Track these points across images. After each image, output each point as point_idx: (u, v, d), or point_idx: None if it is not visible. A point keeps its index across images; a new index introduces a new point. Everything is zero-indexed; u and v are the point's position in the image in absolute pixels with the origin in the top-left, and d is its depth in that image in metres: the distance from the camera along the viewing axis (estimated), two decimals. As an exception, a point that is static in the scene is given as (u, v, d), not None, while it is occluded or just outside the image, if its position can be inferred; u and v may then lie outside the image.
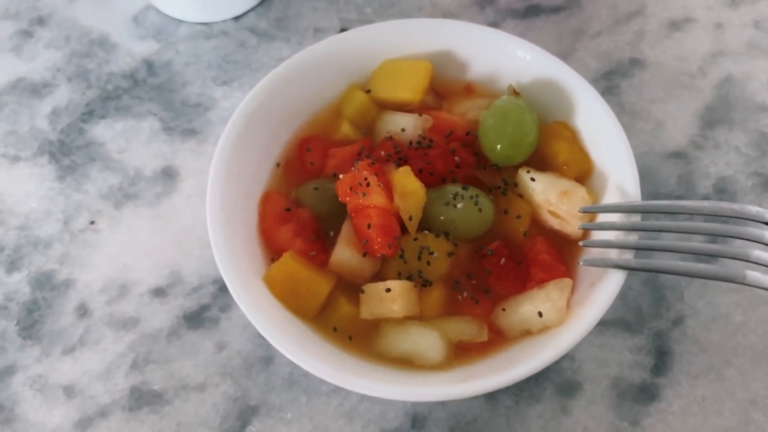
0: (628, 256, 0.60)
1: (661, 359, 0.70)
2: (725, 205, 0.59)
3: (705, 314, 0.72)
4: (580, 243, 0.62)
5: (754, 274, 0.56)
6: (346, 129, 0.72)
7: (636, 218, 0.61)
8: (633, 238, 0.60)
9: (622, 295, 0.72)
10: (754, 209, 0.58)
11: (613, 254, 0.61)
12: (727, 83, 0.85)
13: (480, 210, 0.64)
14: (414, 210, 0.63)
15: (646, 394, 0.68)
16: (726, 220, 0.61)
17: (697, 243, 0.59)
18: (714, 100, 0.84)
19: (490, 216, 0.65)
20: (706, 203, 0.59)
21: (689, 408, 0.68)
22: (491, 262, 0.64)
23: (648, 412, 0.67)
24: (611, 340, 0.70)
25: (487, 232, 0.66)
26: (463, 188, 0.65)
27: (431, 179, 0.66)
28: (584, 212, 0.63)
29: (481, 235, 0.65)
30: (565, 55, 0.87)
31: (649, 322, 0.71)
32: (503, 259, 0.64)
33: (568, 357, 0.70)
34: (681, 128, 0.82)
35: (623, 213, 0.61)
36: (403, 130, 0.69)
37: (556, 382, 0.69)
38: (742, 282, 0.56)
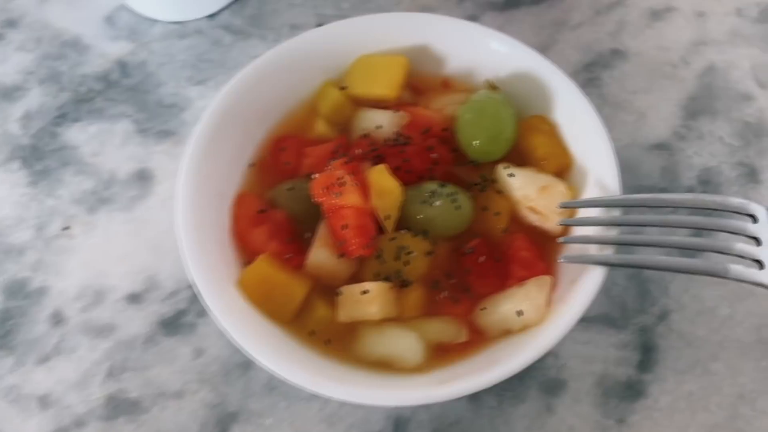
0: (608, 251, 0.59)
1: (647, 355, 0.69)
2: (707, 198, 0.58)
3: (690, 308, 0.71)
4: (559, 240, 0.61)
5: (737, 268, 0.55)
6: (321, 127, 0.70)
7: (616, 213, 0.60)
8: (613, 233, 0.59)
9: (606, 291, 0.71)
10: (736, 201, 0.57)
11: (593, 250, 0.59)
12: (710, 72, 0.84)
13: (458, 208, 0.62)
14: (391, 209, 0.62)
15: (632, 390, 0.67)
16: (708, 212, 0.59)
17: (678, 237, 0.58)
18: (697, 90, 0.83)
19: (469, 213, 0.63)
20: (687, 196, 0.58)
21: (676, 404, 0.66)
22: (470, 261, 0.63)
23: (634, 409, 0.66)
24: (596, 337, 0.69)
25: (466, 230, 0.64)
26: (441, 186, 0.63)
27: (408, 177, 0.65)
28: (563, 208, 0.62)
29: (460, 233, 0.64)
30: (545, 47, 0.86)
31: (633, 318, 0.70)
32: (482, 257, 0.63)
33: (552, 354, 0.69)
34: (664, 119, 0.81)
35: (603, 208, 0.60)
36: (379, 127, 0.68)
37: (540, 380, 0.68)
38: (725, 276, 0.55)
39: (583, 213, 0.63)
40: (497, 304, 0.60)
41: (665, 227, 0.59)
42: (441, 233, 0.63)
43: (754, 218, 0.57)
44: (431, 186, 0.63)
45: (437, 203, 0.62)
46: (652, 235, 0.59)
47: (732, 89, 0.83)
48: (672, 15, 0.89)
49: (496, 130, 0.65)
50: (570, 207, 0.62)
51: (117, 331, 0.71)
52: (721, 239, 0.57)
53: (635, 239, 0.58)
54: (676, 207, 0.58)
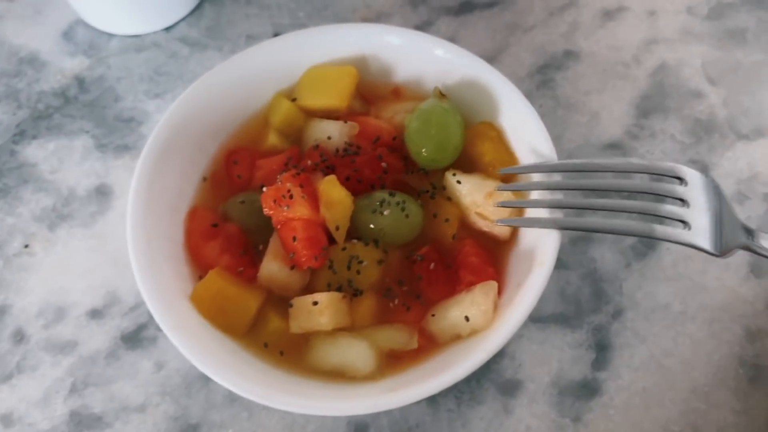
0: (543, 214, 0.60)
1: (602, 353, 0.70)
2: (636, 162, 0.59)
3: (644, 305, 0.72)
4: (497, 203, 0.63)
5: (662, 228, 0.56)
6: (273, 139, 0.71)
7: (556, 178, 0.62)
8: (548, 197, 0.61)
9: (561, 291, 0.72)
10: (666, 164, 0.59)
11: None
12: (662, 71, 0.85)
13: (407, 216, 0.63)
14: (341, 219, 0.62)
15: (587, 389, 0.68)
16: (641, 176, 0.61)
17: (610, 200, 0.59)
18: (649, 89, 0.84)
19: (418, 221, 0.64)
20: (618, 160, 0.60)
21: (630, 400, 0.68)
22: (421, 268, 0.64)
23: (590, 407, 0.67)
24: (551, 337, 0.70)
25: (416, 237, 0.65)
26: (390, 194, 0.64)
27: (360, 186, 0.65)
28: (504, 173, 0.64)
29: (411, 240, 0.65)
30: (499, 51, 0.87)
31: (588, 317, 0.71)
32: (433, 264, 0.64)
33: (509, 356, 0.70)
34: (616, 119, 0.82)
35: (540, 173, 0.61)
36: (329, 137, 0.69)
37: (497, 382, 0.68)
38: (650, 236, 0.56)
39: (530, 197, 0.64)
40: (446, 310, 0.61)
41: (600, 191, 0.60)
42: (391, 241, 0.64)
43: (683, 181, 0.59)
44: (381, 195, 0.64)
45: (386, 212, 0.63)
46: (585, 199, 0.60)
47: (683, 87, 0.84)
48: (624, 15, 0.90)
49: (443, 138, 0.66)
50: (510, 172, 0.64)
51: (79, 347, 0.72)
52: (650, 201, 0.59)
53: (569, 202, 0.59)
54: (610, 171, 0.60)
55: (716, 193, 0.58)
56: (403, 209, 0.63)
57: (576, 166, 0.60)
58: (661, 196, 0.59)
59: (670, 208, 0.57)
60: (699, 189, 0.58)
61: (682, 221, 0.57)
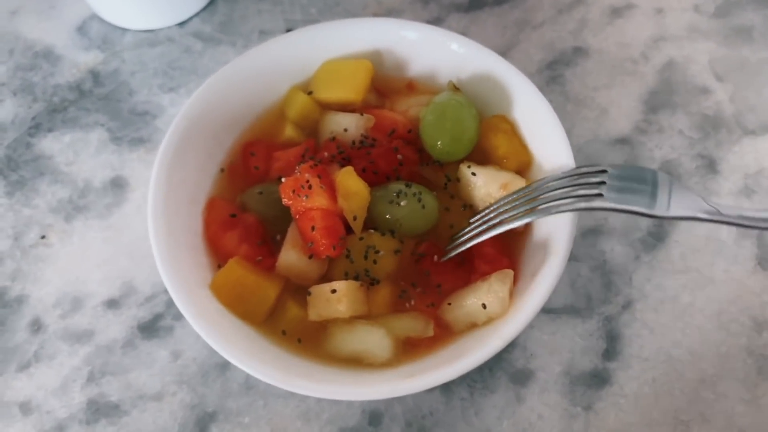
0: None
1: (612, 344, 0.71)
2: (565, 173, 0.62)
3: (653, 297, 0.73)
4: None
5: (579, 204, 0.58)
6: (289, 131, 0.72)
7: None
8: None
9: (571, 283, 0.73)
10: (589, 167, 0.61)
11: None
12: (669, 67, 0.86)
13: (423, 206, 0.64)
14: (358, 210, 0.63)
15: (598, 378, 0.69)
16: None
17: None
18: (657, 85, 0.85)
19: (434, 212, 0.65)
20: (552, 175, 0.63)
21: (640, 390, 0.69)
22: (426, 264, 0.65)
23: (600, 396, 0.68)
24: (562, 327, 0.71)
25: (432, 227, 0.66)
26: (407, 186, 0.65)
27: (375, 178, 0.66)
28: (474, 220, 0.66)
29: (427, 231, 0.66)
30: (509, 47, 0.88)
31: (598, 308, 0.72)
32: (436, 257, 0.65)
33: (520, 346, 0.71)
34: (625, 114, 0.83)
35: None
36: (345, 130, 0.70)
37: (509, 371, 0.70)
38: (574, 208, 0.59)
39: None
40: (462, 298, 0.62)
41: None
42: (408, 232, 0.65)
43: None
44: (398, 186, 0.65)
45: (403, 203, 0.64)
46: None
47: (690, 83, 0.85)
48: (632, 12, 0.91)
49: (458, 131, 0.67)
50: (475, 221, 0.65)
51: (96, 337, 0.73)
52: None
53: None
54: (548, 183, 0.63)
55: (639, 172, 0.59)
56: (419, 200, 0.64)
57: (532, 189, 0.63)
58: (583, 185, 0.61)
59: (589, 189, 0.59)
60: (616, 172, 0.59)
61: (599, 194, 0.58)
